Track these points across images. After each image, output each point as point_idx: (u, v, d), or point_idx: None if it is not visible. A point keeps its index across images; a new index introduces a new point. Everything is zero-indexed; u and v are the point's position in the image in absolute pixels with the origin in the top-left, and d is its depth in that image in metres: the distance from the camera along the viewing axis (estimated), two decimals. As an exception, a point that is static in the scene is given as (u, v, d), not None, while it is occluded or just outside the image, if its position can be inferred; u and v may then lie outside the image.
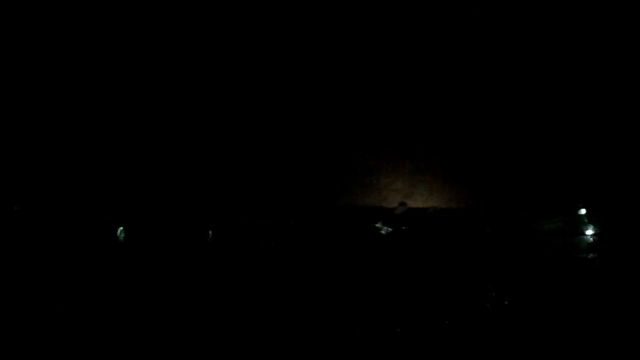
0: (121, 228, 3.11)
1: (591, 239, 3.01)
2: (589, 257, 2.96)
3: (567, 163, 3.17)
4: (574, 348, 2.59)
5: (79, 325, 2.74)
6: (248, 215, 3.18)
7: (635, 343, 2.49)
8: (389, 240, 3.08)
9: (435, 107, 3.32)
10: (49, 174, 3.27)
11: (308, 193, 3.32)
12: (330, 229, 3.13)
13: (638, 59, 3.11)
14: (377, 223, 3.14)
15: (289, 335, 2.71)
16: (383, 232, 3.12)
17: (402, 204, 3.09)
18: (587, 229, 3.06)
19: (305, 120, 3.37)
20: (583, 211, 3.09)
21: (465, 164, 3.30)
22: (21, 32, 3.30)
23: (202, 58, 3.36)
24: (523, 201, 3.17)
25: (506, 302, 2.80)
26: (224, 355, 2.66)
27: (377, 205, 3.30)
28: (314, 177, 3.34)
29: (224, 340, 2.71)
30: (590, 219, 3.07)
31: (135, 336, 2.70)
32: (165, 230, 3.13)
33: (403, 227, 3.11)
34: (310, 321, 2.78)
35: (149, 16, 3.31)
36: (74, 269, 3.01)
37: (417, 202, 3.29)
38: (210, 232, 3.15)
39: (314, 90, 3.36)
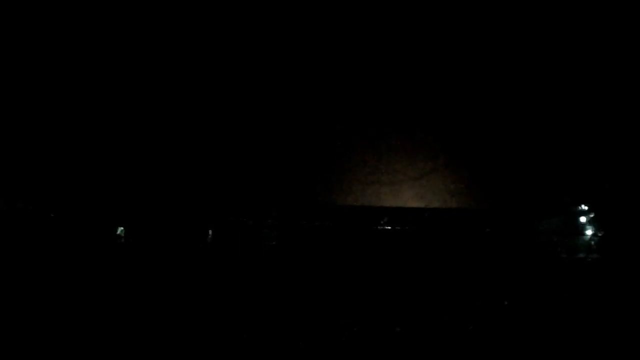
0: (121, 228, 3.12)
1: (591, 239, 3.01)
2: (589, 257, 2.96)
3: (567, 163, 3.17)
4: (574, 348, 2.59)
5: (79, 325, 2.74)
6: (248, 215, 3.18)
7: (636, 343, 2.49)
8: (388, 240, 3.08)
9: (434, 107, 3.32)
10: (49, 173, 3.27)
11: (308, 193, 3.32)
12: (331, 228, 3.13)
13: (638, 58, 3.11)
14: (376, 223, 3.13)
15: (289, 334, 2.72)
16: (382, 232, 3.12)
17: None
18: (587, 229, 3.06)
19: (306, 119, 3.36)
20: (583, 211, 3.09)
21: (464, 164, 3.29)
22: (21, 32, 3.30)
23: (203, 58, 3.35)
24: (523, 201, 3.17)
25: (506, 303, 2.81)
26: (225, 355, 2.67)
27: (376, 205, 3.30)
28: (314, 177, 3.34)
29: (224, 340, 2.71)
30: (590, 218, 3.07)
31: (136, 336, 2.71)
32: (165, 230, 3.13)
33: (403, 227, 3.11)
34: (311, 321, 2.78)
35: (149, 17, 3.31)
36: (74, 269, 3.01)
37: (416, 202, 3.29)
38: (210, 232, 3.15)
39: (315, 89, 3.36)
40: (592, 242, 3.01)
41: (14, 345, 2.61)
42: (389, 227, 3.11)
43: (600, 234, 3.00)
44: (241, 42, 3.35)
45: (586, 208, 3.10)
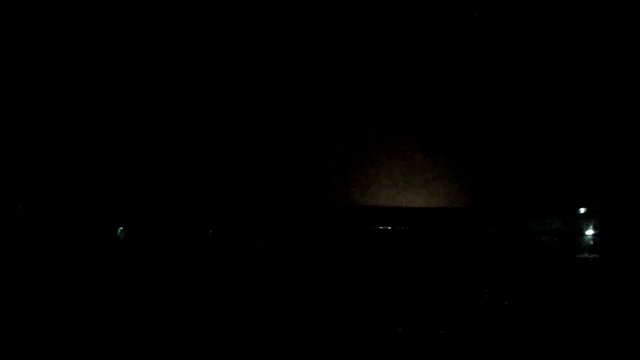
0: (121, 228, 3.11)
1: (591, 239, 3.01)
2: (589, 257, 2.96)
3: (567, 163, 3.17)
4: (574, 348, 2.59)
5: (79, 325, 2.74)
6: (248, 215, 3.18)
7: (636, 343, 2.49)
8: (388, 240, 3.07)
9: (433, 106, 3.32)
10: (49, 173, 3.27)
11: (307, 193, 3.32)
12: (331, 228, 3.13)
13: (638, 58, 3.11)
14: (376, 223, 3.13)
15: (288, 334, 2.72)
16: (382, 232, 3.11)
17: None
18: (587, 229, 3.05)
19: (306, 119, 3.36)
20: (583, 211, 3.09)
21: (464, 163, 3.29)
22: (21, 32, 3.30)
23: (203, 59, 3.35)
24: (522, 201, 3.16)
25: (506, 302, 2.80)
26: (224, 355, 2.67)
27: (376, 205, 3.30)
28: (313, 178, 3.34)
29: (223, 340, 2.71)
30: (590, 218, 3.07)
31: (136, 336, 2.71)
32: (165, 229, 3.13)
33: (402, 227, 3.11)
34: (310, 321, 2.78)
35: (148, 16, 3.31)
36: (74, 268, 3.01)
37: (415, 202, 3.28)
38: (210, 232, 3.15)
39: (315, 90, 3.35)
40: (592, 242, 3.01)
41: (14, 345, 2.61)
42: (389, 227, 3.11)
43: (600, 234, 3.00)
44: (240, 42, 3.35)
45: (586, 208, 3.10)
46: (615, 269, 2.86)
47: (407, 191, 3.30)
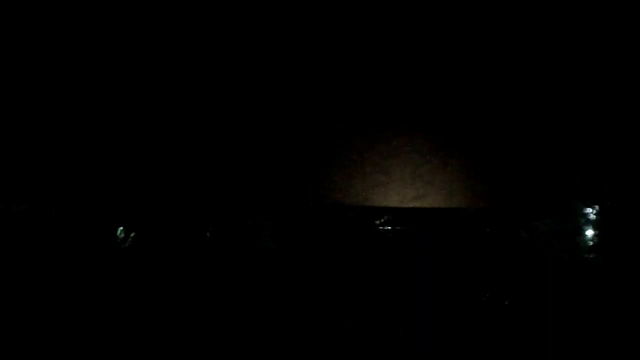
0: (121, 228, 3.11)
1: (591, 239, 3.01)
2: (589, 257, 2.96)
3: (567, 162, 3.17)
4: (574, 348, 2.59)
5: (79, 326, 2.74)
6: (248, 216, 3.17)
7: (636, 343, 2.49)
8: (388, 240, 3.07)
9: (434, 108, 3.32)
10: (47, 173, 3.26)
11: (307, 193, 3.32)
12: (331, 228, 3.13)
13: (638, 58, 3.11)
14: (376, 223, 3.13)
15: (288, 335, 2.71)
16: (382, 232, 3.12)
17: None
18: (587, 229, 3.05)
19: (306, 119, 3.36)
20: (583, 211, 3.09)
21: (464, 163, 3.29)
22: (21, 32, 3.29)
23: (205, 58, 3.35)
24: (522, 201, 3.16)
25: (506, 303, 2.81)
26: (224, 354, 2.67)
27: (376, 205, 3.30)
28: (313, 178, 3.33)
29: (223, 338, 2.71)
30: (590, 219, 3.07)
31: (135, 336, 2.70)
32: (164, 230, 3.13)
33: (403, 227, 3.11)
34: (310, 321, 2.78)
35: (148, 16, 3.31)
36: (74, 269, 3.01)
37: (415, 202, 3.28)
38: (208, 233, 3.15)
39: (315, 89, 3.35)
40: (592, 242, 3.01)
41: (14, 345, 2.61)
42: (389, 227, 3.11)
43: (600, 234, 3.00)
44: (239, 42, 3.35)
45: (586, 208, 3.10)
46: (615, 269, 2.86)
47: (408, 191, 3.30)
